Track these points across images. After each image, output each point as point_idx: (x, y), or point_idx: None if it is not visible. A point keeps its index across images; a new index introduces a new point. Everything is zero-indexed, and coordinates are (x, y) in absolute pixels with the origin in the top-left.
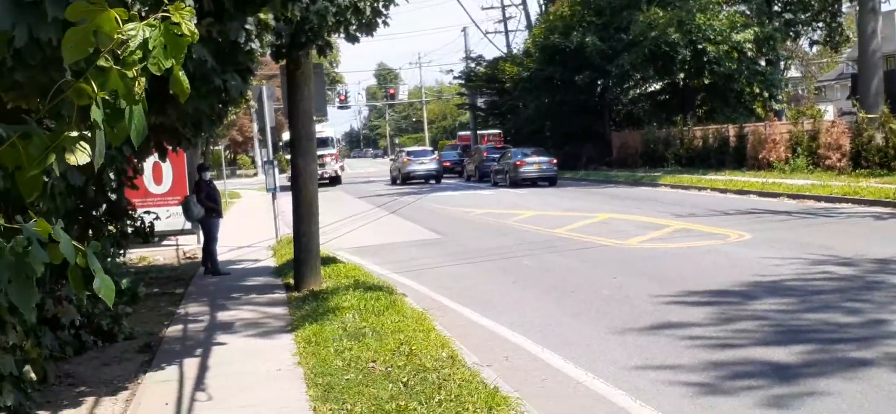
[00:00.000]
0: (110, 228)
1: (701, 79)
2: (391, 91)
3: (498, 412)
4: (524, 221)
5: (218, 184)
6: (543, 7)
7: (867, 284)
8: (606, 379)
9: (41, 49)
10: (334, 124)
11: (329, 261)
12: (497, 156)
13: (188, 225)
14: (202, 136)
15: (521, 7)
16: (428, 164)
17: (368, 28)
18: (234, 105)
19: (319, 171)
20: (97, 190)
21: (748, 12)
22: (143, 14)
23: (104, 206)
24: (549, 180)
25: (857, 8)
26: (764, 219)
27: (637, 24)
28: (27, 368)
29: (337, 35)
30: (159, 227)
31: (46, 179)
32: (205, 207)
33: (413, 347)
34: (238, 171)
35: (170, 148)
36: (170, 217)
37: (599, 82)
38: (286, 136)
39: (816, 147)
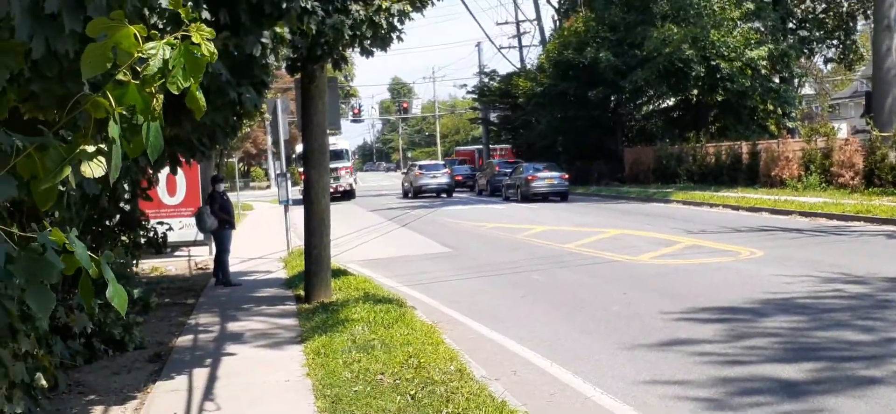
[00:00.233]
0: (123, 238)
1: (714, 95)
2: (405, 105)
3: None
4: (535, 236)
5: (231, 196)
6: (558, 23)
7: (878, 302)
8: (615, 394)
9: (58, 61)
10: (347, 138)
11: (340, 273)
12: (509, 170)
13: (200, 236)
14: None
15: (535, 23)
16: (440, 178)
17: (383, 43)
18: (249, 118)
19: (333, 185)
20: (111, 200)
21: (762, 29)
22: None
23: (118, 216)
24: (560, 195)
25: (872, 25)
26: (776, 236)
27: (651, 40)
28: (38, 375)
29: (352, 49)
30: (172, 237)
31: (62, 189)
32: (218, 219)
33: (421, 360)
34: (251, 184)
35: (184, 160)
36: (183, 228)
37: (613, 98)
38: (300, 148)
39: (829, 165)
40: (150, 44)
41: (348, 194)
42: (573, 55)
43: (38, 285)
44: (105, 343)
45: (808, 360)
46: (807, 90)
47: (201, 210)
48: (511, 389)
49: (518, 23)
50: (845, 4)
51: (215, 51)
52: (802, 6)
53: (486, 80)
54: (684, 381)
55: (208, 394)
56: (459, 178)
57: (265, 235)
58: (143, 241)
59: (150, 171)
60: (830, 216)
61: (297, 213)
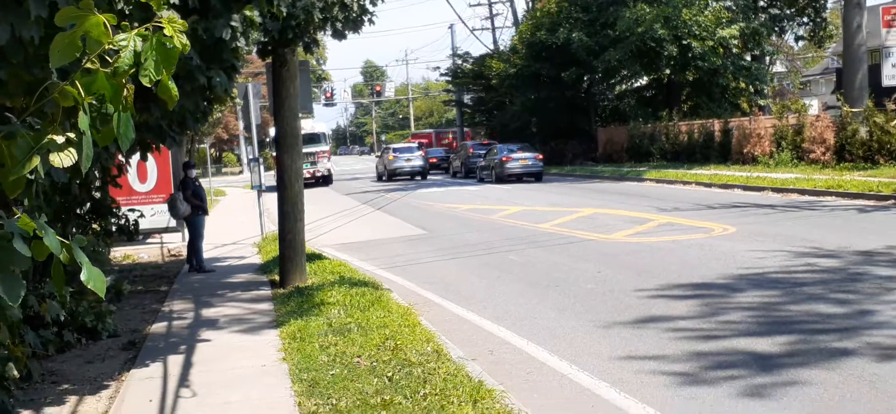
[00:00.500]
0: (94, 226)
1: (686, 74)
2: (378, 88)
3: (483, 405)
4: (510, 217)
5: (203, 182)
6: (530, 3)
7: (850, 275)
8: (591, 371)
9: (24, 47)
10: (321, 121)
11: (315, 257)
12: (483, 152)
13: (173, 223)
14: (187, 134)
15: (508, 3)
16: (414, 161)
17: (355, 25)
18: (220, 103)
19: (310, 170)
20: (82, 188)
21: (734, 8)
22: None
23: (88, 204)
24: (534, 176)
25: (843, 2)
26: (748, 212)
27: (623, 19)
28: (9, 365)
29: (323, 32)
30: (144, 224)
31: (31, 178)
32: (190, 205)
33: (398, 342)
34: (224, 169)
35: (154, 146)
36: (154, 215)
37: (586, 78)
38: (273, 132)
39: (801, 141)
40: (121, 35)
41: (326, 179)
42: (546, 36)
43: (7, 273)
44: (78, 332)
45: (782, 333)
46: (778, 68)
47: (174, 196)
48: (488, 368)
49: (491, 4)
50: None
51: (188, 43)
52: None
53: (459, 62)
54: (659, 356)
55: (184, 380)
56: (434, 160)
57: (239, 220)
58: (114, 228)
59: (121, 159)
60: (802, 192)
61: (271, 198)
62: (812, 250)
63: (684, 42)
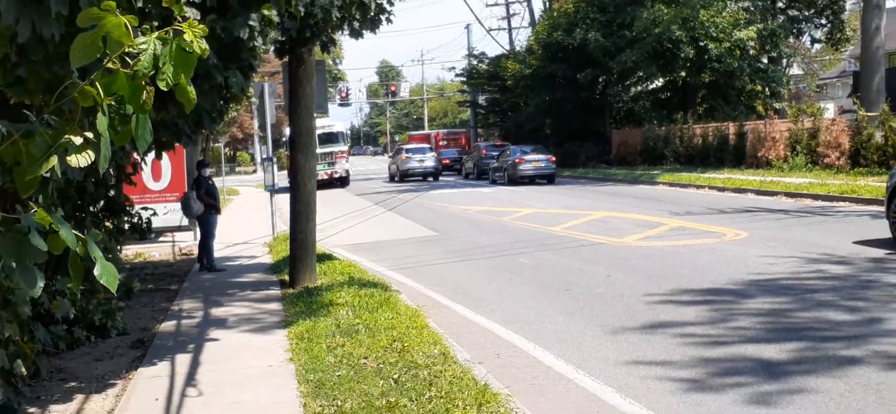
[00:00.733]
0: (107, 223)
1: (702, 76)
2: (393, 88)
3: (487, 409)
4: (521, 219)
5: (217, 181)
6: (547, 3)
7: (861, 282)
8: (597, 376)
9: (44, 44)
10: (339, 120)
11: (325, 258)
12: (496, 153)
13: (185, 221)
14: (202, 132)
15: (525, 3)
16: (426, 162)
17: (372, 24)
18: (236, 102)
19: (327, 171)
20: (96, 186)
21: (752, 9)
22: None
23: (102, 201)
24: (547, 178)
25: (862, 4)
26: (761, 217)
27: (641, 20)
28: (18, 362)
29: (341, 31)
30: (156, 223)
31: (46, 176)
32: (204, 204)
33: (405, 344)
34: (237, 168)
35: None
36: (167, 213)
37: (601, 80)
38: (288, 131)
39: (816, 145)
40: (141, 39)
41: (344, 181)
42: (562, 36)
43: (25, 266)
44: (87, 329)
45: (790, 340)
46: (795, 70)
47: (187, 195)
48: (494, 372)
49: (508, 4)
50: None
51: (207, 48)
52: None
53: (474, 62)
54: (667, 362)
55: (191, 379)
56: (447, 161)
57: (251, 220)
58: (126, 226)
59: (136, 157)
60: (816, 197)
61: (284, 197)
62: (824, 256)
63: (701, 43)
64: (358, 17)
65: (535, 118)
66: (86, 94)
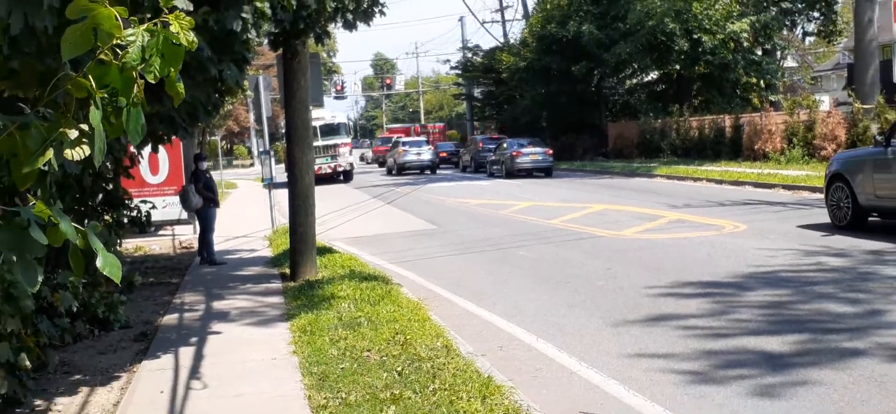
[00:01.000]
0: (106, 217)
1: (697, 68)
2: (388, 81)
3: (491, 401)
4: (520, 212)
5: (214, 174)
6: None
7: (861, 275)
8: (600, 369)
9: (36, 37)
10: (341, 111)
11: (325, 251)
12: (492, 146)
13: (184, 214)
14: (199, 126)
15: None
16: (423, 155)
17: (366, 16)
18: (231, 95)
19: (330, 164)
20: (94, 179)
21: (745, 1)
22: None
23: (100, 195)
24: (545, 171)
25: None
26: (759, 210)
27: (634, 12)
28: (22, 355)
29: (335, 23)
30: (155, 216)
31: (44, 170)
32: (202, 197)
33: (408, 337)
34: (234, 162)
35: (165, 138)
36: (166, 207)
37: (596, 72)
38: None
39: (812, 138)
40: (129, 31)
41: (347, 175)
42: (556, 29)
43: (25, 260)
44: (90, 323)
45: (792, 332)
46: (789, 63)
47: (186, 189)
48: (497, 364)
49: None
50: None
51: (195, 40)
52: None
53: (469, 55)
54: (669, 354)
55: (195, 372)
56: (444, 154)
57: (249, 213)
58: (126, 220)
59: (133, 150)
60: (813, 189)
61: (282, 190)
62: (822, 249)
63: (695, 36)
64: (351, 9)
65: (531, 111)
66: (79, 85)
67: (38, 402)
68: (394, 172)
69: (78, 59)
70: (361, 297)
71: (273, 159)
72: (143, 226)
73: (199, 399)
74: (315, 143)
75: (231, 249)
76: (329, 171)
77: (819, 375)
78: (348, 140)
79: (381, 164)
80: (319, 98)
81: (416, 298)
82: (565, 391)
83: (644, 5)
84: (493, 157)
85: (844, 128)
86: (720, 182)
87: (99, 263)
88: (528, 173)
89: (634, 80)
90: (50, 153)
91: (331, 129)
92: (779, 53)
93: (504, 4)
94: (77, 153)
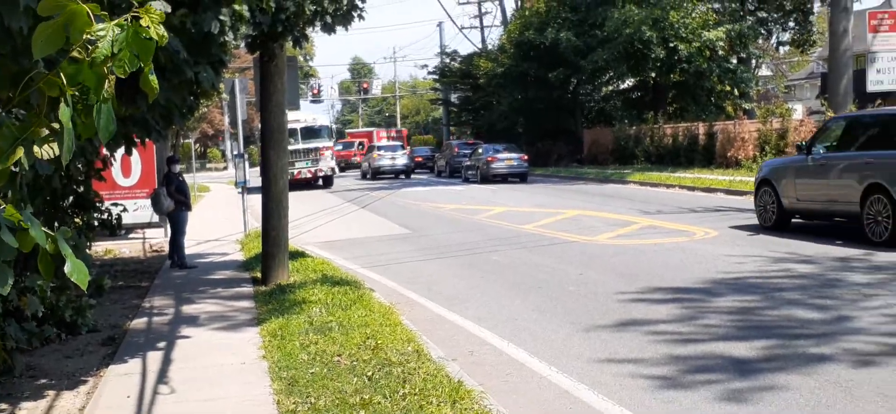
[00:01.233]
0: (77, 219)
1: (672, 76)
2: (365, 85)
3: (461, 406)
4: (494, 217)
5: (187, 178)
6: (519, 2)
7: (828, 281)
8: (570, 373)
9: (12, 38)
10: (323, 113)
11: (297, 255)
12: (468, 151)
13: (155, 218)
14: (173, 128)
15: (497, 2)
16: (398, 160)
17: (345, 20)
18: (206, 98)
19: (311, 169)
20: (65, 181)
21: (721, 10)
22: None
23: (71, 197)
24: (520, 177)
25: (830, 7)
26: (730, 216)
27: (612, 20)
28: None
29: (313, 27)
30: (126, 219)
31: (14, 170)
32: (174, 201)
33: (379, 342)
34: (208, 165)
35: (138, 140)
36: (137, 210)
37: (573, 79)
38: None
39: (784, 146)
40: (100, 25)
41: (328, 180)
42: (534, 35)
43: None
44: (57, 327)
45: (760, 338)
46: (764, 71)
47: (157, 191)
48: (468, 369)
49: (480, 2)
50: None
51: (165, 34)
52: None
53: (447, 60)
54: (639, 359)
55: (162, 377)
56: (419, 159)
57: (222, 216)
58: (96, 222)
59: (105, 152)
60: None
61: (257, 195)
62: (790, 255)
63: (671, 44)
64: (330, 11)
65: (508, 117)
66: (52, 84)
67: (2, 406)
68: (368, 177)
69: (52, 60)
70: (333, 301)
71: (247, 163)
72: (114, 229)
73: (166, 404)
74: (295, 147)
75: (202, 253)
76: (309, 175)
77: (786, 380)
78: (330, 144)
79: (342, 169)
80: (295, 101)
81: (388, 302)
82: (535, 396)
83: (622, 13)
84: (469, 163)
85: None
86: (693, 189)
87: (67, 268)
88: (504, 179)
89: (610, 88)
90: (20, 151)
91: (311, 133)
92: (754, 62)
93: (483, 10)
94: (46, 151)
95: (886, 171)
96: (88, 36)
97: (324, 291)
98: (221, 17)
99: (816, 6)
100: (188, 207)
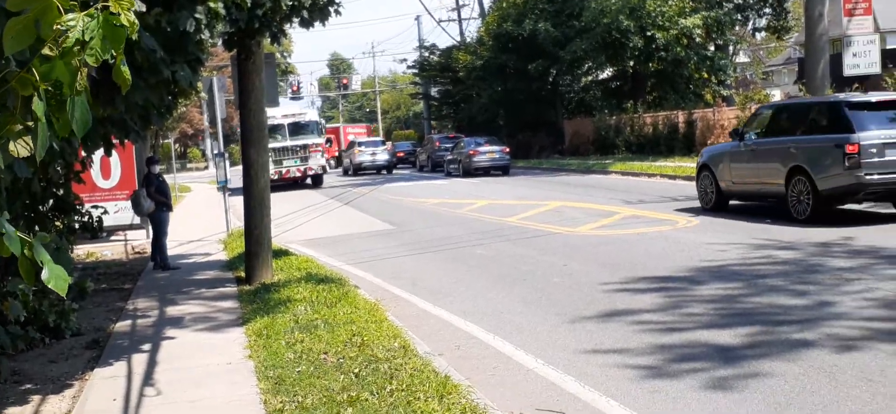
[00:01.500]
0: (57, 223)
1: (650, 65)
2: (344, 81)
3: (449, 401)
4: (477, 211)
5: (167, 177)
6: None
7: (809, 267)
8: (556, 365)
9: None
10: (312, 108)
11: (281, 254)
12: (449, 145)
13: (137, 219)
14: (151, 129)
15: None
16: (379, 155)
17: (322, 15)
18: (184, 97)
19: (300, 167)
20: (44, 184)
21: None
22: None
23: (51, 201)
24: (502, 169)
25: None
26: (746, 208)
27: (589, 10)
28: None
29: (290, 23)
30: (107, 221)
31: None
32: (154, 201)
33: (365, 338)
34: (188, 165)
35: (117, 142)
36: (118, 211)
37: (552, 70)
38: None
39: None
40: (70, 15)
41: (317, 179)
42: (512, 27)
43: None
44: (41, 331)
45: (743, 325)
46: (742, 58)
47: (137, 193)
48: (455, 363)
49: None
50: None
51: (135, 21)
52: None
53: (426, 54)
54: (624, 349)
55: (148, 379)
56: (401, 154)
57: (204, 216)
58: (77, 226)
59: (83, 154)
60: None
61: (239, 193)
62: (771, 242)
63: (648, 33)
64: (307, 7)
65: (488, 109)
66: (25, 82)
67: None
68: (350, 173)
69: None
70: (318, 299)
71: (227, 162)
72: (95, 231)
73: (152, 406)
74: (283, 144)
75: (185, 254)
76: (298, 174)
77: (770, 366)
78: (321, 140)
79: None
80: (274, 99)
81: (374, 298)
82: (522, 388)
83: (599, 3)
84: (451, 157)
85: None
86: (674, 177)
87: (44, 275)
88: (486, 172)
89: (590, 78)
90: None
91: (299, 128)
92: (731, 49)
93: (460, 3)
94: (21, 146)
95: (806, 154)
96: (59, 26)
97: (308, 289)
98: (197, 15)
99: None
100: (169, 208)
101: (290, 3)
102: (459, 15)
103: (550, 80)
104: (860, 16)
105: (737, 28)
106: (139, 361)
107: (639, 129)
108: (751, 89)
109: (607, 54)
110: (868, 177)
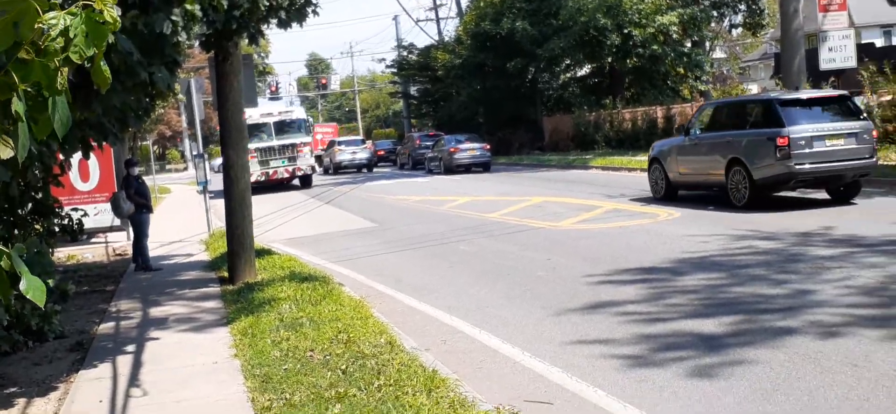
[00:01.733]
0: (37, 226)
1: (628, 62)
2: (323, 81)
3: (437, 395)
4: (459, 207)
5: (147, 179)
6: None
7: (790, 256)
8: (542, 357)
9: None
10: (299, 106)
11: (264, 253)
12: (430, 143)
13: (117, 222)
14: (129, 131)
15: None
16: (359, 154)
17: (299, 15)
18: (162, 99)
19: (287, 168)
20: (23, 188)
21: None
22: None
23: (30, 204)
24: (483, 166)
25: None
26: (692, 197)
27: (566, 8)
28: None
29: (267, 24)
30: (87, 224)
31: None
32: (134, 203)
33: (351, 335)
34: (167, 166)
35: (96, 144)
36: (98, 214)
37: (531, 68)
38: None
39: None
40: (51, 14)
41: (306, 180)
42: (490, 26)
43: None
44: (23, 334)
45: (727, 314)
46: (718, 54)
47: (116, 195)
48: (442, 358)
49: None
50: None
51: (117, 17)
52: None
53: (404, 53)
54: (609, 340)
55: (134, 380)
56: (381, 152)
57: (185, 217)
58: (57, 229)
59: (62, 157)
60: None
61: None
62: (752, 233)
63: (625, 30)
64: (285, 7)
65: (468, 107)
66: (3, 85)
67: None
68: (331, 172)
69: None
70: (302, 297)
71: (207, 163)
72: (75, 234)
73: (139, 407)
74: (269, 144)
75: (167, 255)
76: (286, 175)
77: (755, 354)
78: (308, 139)
79: None
80: (253, 99)
81: (358, 296)
82: (509, 381)
83: (575, 2)
84: (432, 154)
85: None
86: None
87: (22, 286)
88: (467, 169)
89: (568, 75)
90: None
91: (285, 127)
92: (707, 45)
93: (438, 3)
94: (1, 150)
95: (743, 147)
96: (40, 25)
97: (292, 288)
98: (173, 18)
99: None
100: (149, 209)
101: (268, 3)
102: (437, 14)
103: (529, 77)
104: (835, 11)
105: (713, 24)
106: (124, 362)
107: (618, 125)
108: (728, 84)
109: (585, 52)
110: (798, 167)
